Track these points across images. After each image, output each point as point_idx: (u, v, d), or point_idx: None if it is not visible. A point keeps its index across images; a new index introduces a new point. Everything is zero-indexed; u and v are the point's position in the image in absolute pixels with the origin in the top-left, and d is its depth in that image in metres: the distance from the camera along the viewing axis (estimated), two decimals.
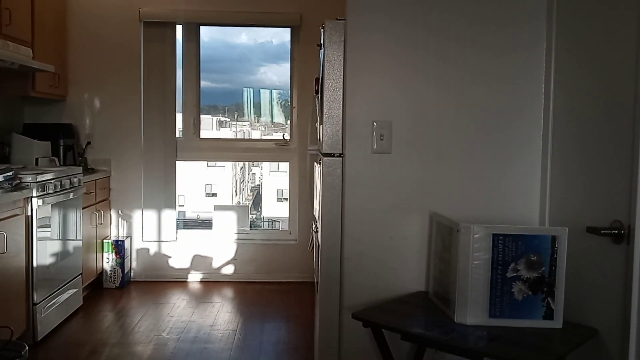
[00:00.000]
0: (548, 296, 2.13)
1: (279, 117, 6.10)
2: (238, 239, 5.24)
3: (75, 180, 4.09)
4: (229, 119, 7.96)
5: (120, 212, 5.05)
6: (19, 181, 3.45)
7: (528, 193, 2.50)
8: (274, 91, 6.05)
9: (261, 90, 6.11)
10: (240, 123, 7.75)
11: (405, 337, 2.17)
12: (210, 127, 7.85)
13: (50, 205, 3.72)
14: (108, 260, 4.80)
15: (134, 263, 5.09)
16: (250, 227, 5.58)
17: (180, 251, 5.15)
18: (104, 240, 4.81)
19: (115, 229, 5.05)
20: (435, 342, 2.08)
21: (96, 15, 4.91)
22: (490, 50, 2.48)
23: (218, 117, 8.08)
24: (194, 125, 5.22)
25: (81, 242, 4.25)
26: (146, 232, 5.10)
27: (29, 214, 3.49)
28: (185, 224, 8.85)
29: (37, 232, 3.53)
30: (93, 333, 3.84)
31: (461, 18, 2.47)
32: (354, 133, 2.51)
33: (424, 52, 2.48)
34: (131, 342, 3.67)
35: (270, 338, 3.81)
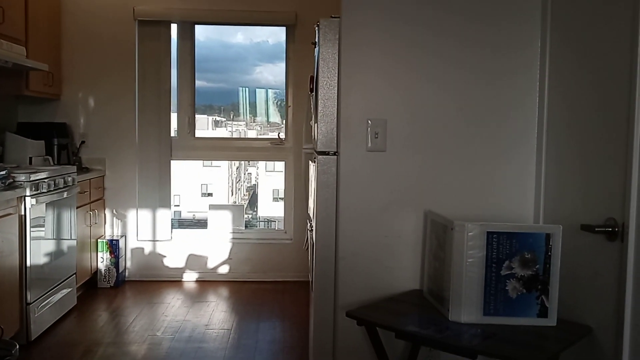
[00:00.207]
0: (542, 294, 2.13)
1: (275, 117, 6.09)
2: (233, 238, 5.23)
3: (69, 179, 4.07)
4: (224, 119, 7.95)
5: (114, 211, 5.03)
6: (12, 180, 3.44)
7: (522, 191, 2.51)
8: (269, 91, 6.03)
9: (257, 89, 6.09)
10: (236, 123, 7.75)
11: (400, 336, 2.17)
12: (206, 127, 7.85)
13: (44, 204, 3.70)
14: (102, 260, 4.78)
15: (128, 262, 5.08)
16: (246, 226, 5.57)
17: (175, 250, 5.14)
18: (99, 240, 4.79)
19: (110, 229, 5.03)
20: (430, 340, 2.08)
21: (90, 14, 4.89)
22: (484, 48, 2.48)
23: (214, 117, 8.07)
24: (188, 124, 5.20)
25: (75, 241, 4.23)
26: (141, 231, 5.08)
27: (23, 213, 3.48)
28: (181, 223, 8.84)
29: (30, 231, 3.51)
30: (87, 333, 3.83)
31: (456, 15, 2.47)
32: (348, 131, 2.51)
33: (419, 49, 2.48)
34: (125, 342, 3.66)
35: (265, 337, 3.81)
